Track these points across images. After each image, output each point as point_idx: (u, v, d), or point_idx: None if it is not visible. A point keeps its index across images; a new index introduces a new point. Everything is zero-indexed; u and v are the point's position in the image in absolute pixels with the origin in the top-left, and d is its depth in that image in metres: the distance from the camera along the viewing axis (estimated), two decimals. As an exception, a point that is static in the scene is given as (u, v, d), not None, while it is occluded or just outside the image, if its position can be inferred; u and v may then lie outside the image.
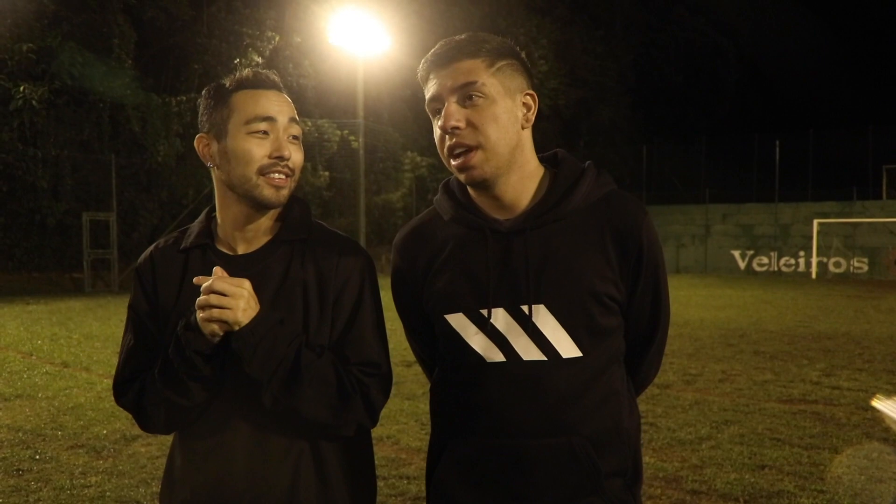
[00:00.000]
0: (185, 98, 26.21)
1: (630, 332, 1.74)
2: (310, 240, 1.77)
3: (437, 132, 1.66)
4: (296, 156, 1.74)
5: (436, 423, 1.81)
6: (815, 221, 32.03)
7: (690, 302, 18.82)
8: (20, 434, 6.37)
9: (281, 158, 1.70)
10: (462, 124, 1.60)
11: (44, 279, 22.77)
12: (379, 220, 32.49)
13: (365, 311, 1.75)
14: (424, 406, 6.00)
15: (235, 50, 28.56)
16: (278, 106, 1.73)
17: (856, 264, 31.32)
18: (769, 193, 34.78)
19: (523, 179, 1.68)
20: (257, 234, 1.78)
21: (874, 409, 4.30)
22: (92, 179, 23.87)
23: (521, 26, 37.51)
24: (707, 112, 48.20)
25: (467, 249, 1.68)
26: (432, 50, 1.67)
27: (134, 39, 26.17)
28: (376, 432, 6.29)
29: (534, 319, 1.61)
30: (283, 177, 1.72)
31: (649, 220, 1.69)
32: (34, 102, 22.20)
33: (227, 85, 1.78)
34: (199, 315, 1.56)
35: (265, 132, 1.71)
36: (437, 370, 1.82)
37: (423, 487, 4.87)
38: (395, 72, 29.79)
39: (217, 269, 1.59)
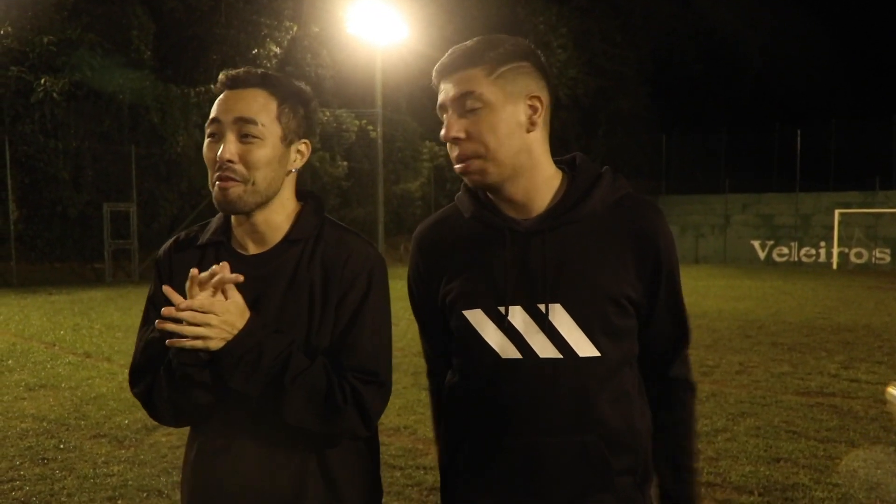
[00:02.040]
0: (203, 89, 26.33)
1: (655, 336, 1.76)
2: (320, 238, 1.76)
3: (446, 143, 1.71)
4: (249, 154, 1.67)
5: (450, 420, 1.83)
6: (837, 212, 31.73)
7: (709, 293, 18.75)
8: (44, 423, 6.48)
9: (220, 162, 1.66)
10: (461, 135, 1.63)
11: (65, 270, 23.00)
12: (397, 210, 32.54)
13: (367, 316, 1.71)
14: (441, 397, 6.03)
15: (254, 40, 28.64)
16: (230, 104, 1.69)
17: (878, 255, 31.03)
18: (790, 183, 34.48)
19: (537, 182, 1.69)
20: (267, 233, 1.76)
21: (888, 396, 4.28)
22: (112, 170, 24.04)
23: (539, 15, 37.37)
24: (727, 101, 47.81)
25: (486, 247, 1.71)
26: (442, 59, 1.69)
27: (153, 31, 26.32)
28: (393, 423, 6.35)
29: (550, 318, 1.64)
30: (227, 180, 1.66)
31: (665, 222, 1.72)
32: (55, 95, 22.38)
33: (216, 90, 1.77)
34: (168, 341, 1.54)
35: (213, 134, 1.70)
36: (450, 371, 1.84)
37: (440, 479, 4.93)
38: (414, 61, 29.75)
39: (169, 291, 1.56)
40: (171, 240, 1.88)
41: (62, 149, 22.87)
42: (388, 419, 6.48)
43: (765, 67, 47.92)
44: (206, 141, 1.71)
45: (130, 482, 5.03)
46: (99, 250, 23.26)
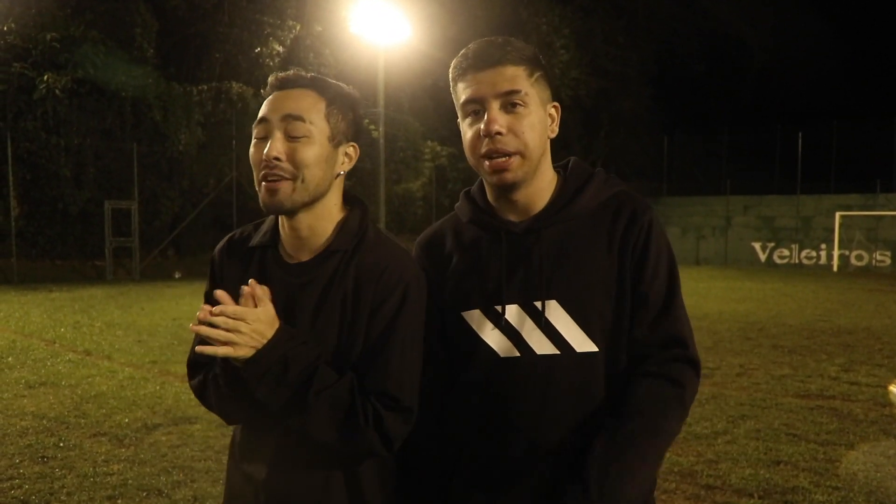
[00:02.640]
0: (206, 87, 26.36)
1: (642, 332, 1.68)
2: (358, 248, 1.73)
3: (468, 133, 1.71)
4: (297, 153, 1.65)
5: (451, 422, 1.82)
6: (838, 214, 31.72)
7: (710, 294, 18.75)
8: (44, 421, 6.48)
9: (268, 161, 1.64)
10: (504, 130, 1.64)
11: (66, 267, 23.02)
12: (399, 210, 32.53)
13: (397, 334, 1.67)
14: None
15: (257, 39, 28.65)
16: (278, 103, 1.68)
17: (878, 258, 31.03)
18: (791, 185, 34.46)
19: (542, 185, 1.75)
20: (311, 239, 1.74)
21: (890, 396, 4.29)
22: (114, 168, 24.05)
23: (542, 16, 37.35)
24: (729, 103, 47.78)
25: (483, 249, 1.75)
26: (469, 49, 1.70)
27: (156, 28, 26.33)
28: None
29: (546, 314, 1.66)
30: (275, 180, 1.65)
31: (657, 217, 1.73)
32: (57, 92, 22.39)
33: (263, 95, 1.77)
34: (198, 347, 1.56)
35: (261, 136, 1.68)
36: (450, 379, 1.81)
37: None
38: (416, 61, 29.77)
39: (221, 295, 1.57)
40: (224, 239, 1.89)
41: (64, 146, 22.87)
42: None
43: (767, 69, 47.84)
44: (253, 142, 1.70)
45: (130, 481, 5.03)
46: (100, 248, 23.28)
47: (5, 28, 22.71)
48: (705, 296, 18.20)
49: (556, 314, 1.65)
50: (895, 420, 6.52)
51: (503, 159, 1.65)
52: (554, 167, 1.81)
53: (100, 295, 17.72)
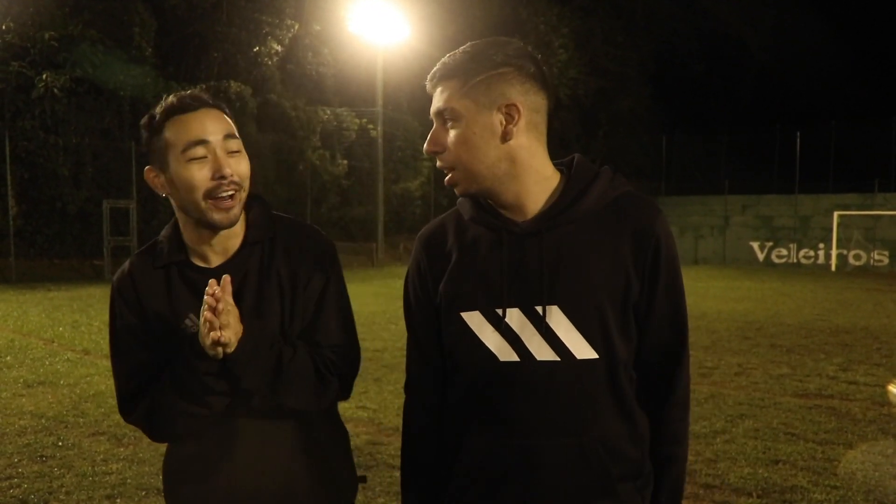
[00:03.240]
0: (204, 86, 26.31)
1: (653, 337, 1.71)
2: (276, 237, 1.87)
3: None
4: (238, 168, 1.77)
5: (447, 424, 1.81)
6: (836, 213, 31.73)
7: (708, 294, 18.75)
8: (43, 421, 6.48)
9: (223, 177, 1.73)
10: (437, 148, 1.68)
11: (65, 266, 23.01)
12: (397, 209, 32.54)
13: (331, 297, 1.88)
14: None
15: (255, 38, 28.65)
16: (212, 125, 1.76)
17: (876, 257, 31.03)
18: (789, 185, 34.47)
19: (528, 185, 1.68)
20: (225, 242, 1.83)
21: (889, 396, 4.30)
22: (112, 167, 24.03)
23: (541, 15, 37.36)
24: (728, 103, 47.82)
25: (484, 249, 1.71)
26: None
27: (154, 27, 26.33)
28: (392, 423, 6.35)
29: (547, 320, 1.63)
30: (230, 196, 1.74)
31: (663, 218, 1.69)
32: (56, 91, 22.38)
33: (158, 115, 1.80)
34: (207, 343, 1.62)
35: (203, 156, 1.74)
36: (448, 381, 1.81)
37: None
38: (415, 60, 29.75)
39: (212, 282, 1.62)
40: (124, 265, 1.91)
41: (62, 145, 22.86)
42: (387, 419, 6.48)
43: (766, 69, 47.89)
44: (190, 163, 1.74)
45: (129, 480, 5.03)
46: (98, 247, 23.26)
47: (3, 27, 22.71)
48: (703, 295, 18.21)
49: (558, 320, 1.63)
50: (893, 419, 6.53)
51: (447, 176, 1.70)
52: (556, 164, 1.76)
53: (98, 294, 17.70)
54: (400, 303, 1.89)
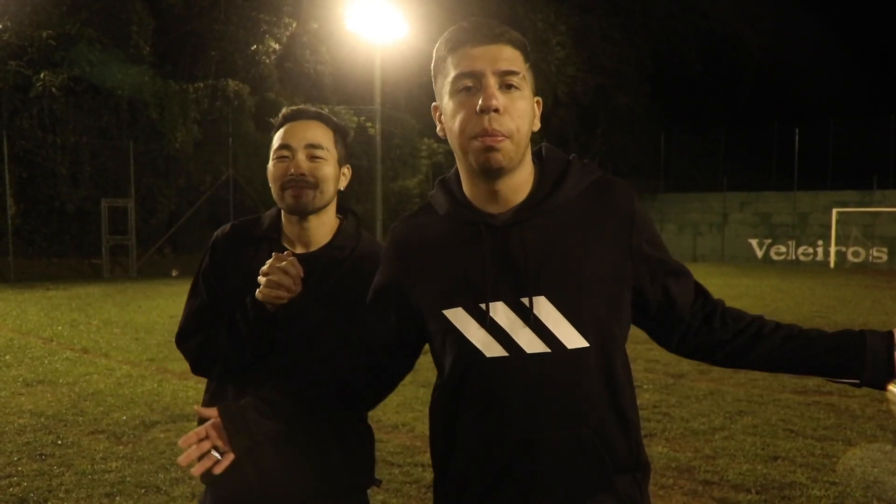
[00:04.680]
0: (202, 85, 26.30)
1: (678, 300, 1.78)
2: (357, 248, 2.18)
3: (459, 111, 1.61)
4: (318, 170, 2.11)
5: (439, 424, 1.79)
6: (834, 210, 31.76)
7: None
8: (42, 419, 6.48)
9: (294, 175, 2.09)
10: (502, 108, 1.57)
11: (63, 265, 23.00)
12: (396, 207, 32.49)
13: None
14: (439, 395, 6.05)
15: (253, 36, 28.59)
16: (300, 133, 2.13)
17: (875, 254, 31.06)
18: (788, 182, 34.49)
19: (523, 176, 1.67)
20: (314, 238, 2.17)
21: (888, 395, 4.31)
22: (110, 166, 24.01)
23: (539, 12, 37.30)
24: (726, 100, 47.78)
25: (462, 244, 1.67)
26: (464, 24, 1.66)
27: (152, 26, 26.29)
28: (392, 420, 6.36)
29: (535, 311, 1.60)
30: (302, 188, 2.08)
31: (637, 199, 1.71)
32: (53, 90, 22.34)
33: (276, 122, 2.20)
34: (265, 290, 1.94)
35: (284, 157, 2.12)
36: (438, 379, 1.80)
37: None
38: (413, 58, 29.71)
39: (289, 256, 1.97)
40: (227, 226, 2.27)
41: (60, 144, 22.83)
42: (387, 416, 6.48)
43: (764, 67, 47.90)
44: (274, 162, 2.15)
45: (128, 478, 5.03)
46: (97, 246, 23.25)
47: (1, 26, 22.67)
48: (702, 292, 18.16)
49: (546, 310, 1.60)
50: (892, 416, 6.54)
51: (496, 138, 1.56)
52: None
53: (97, 293, 17.70)
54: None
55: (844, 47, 49.05)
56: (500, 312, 1.62)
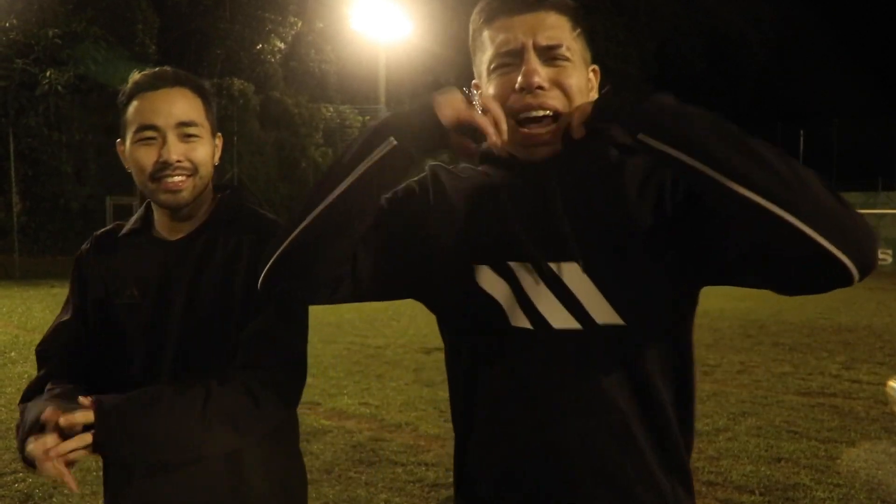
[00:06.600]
0: (207, 83, 26.25)
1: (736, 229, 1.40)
2: (236, 222, 1.78)
3: (498, 91, 1.40)
4: (194, 152, 1.72)
5: (458, 396, 1.56)
6: (839, 212, 31.63)
7: (710, 292, 18.50)
8: (46, 416, 6.48)
9: (167, 162, 1.69)
10: (547, 84, 1.36)
11: (68, 262, 22.78)
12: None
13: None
14: (443, 393, 6.05)
15: (258, 35, 28.65)
16: (166, 108, 1.71)
17: (879, 256, 30.93)
18: (792, 183, 34.38)
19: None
20: (187, 220, 1.80)
21: (888, 390, 4.30)
22: (115, 164, 23.25)
23: (543, 12, 37.30)
24: (730, 101, 47.72)
25: (497, 195, 1.46)
26: None
27: (157, 24, 26.36)
28: (395, 419, 6.36)
29: (565, 280, 1.38)
30: (180, 178, 1.70)
31: None
32: (59, 88, 22.42)
33: (124, 92, 1.82)
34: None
35: (150, 139, 1.72)
36: (453, 343, 1.56)
37: (442, 474, 4.94)
38: (417, 57, 29.76)
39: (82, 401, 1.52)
40: (88, 240, 1.97)
41: (66, 142, 22.91)
42: (390, 415, 6.49)
43: (768, 67, 47.84)
44: (136, 145, 1.75)
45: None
46: (101, 244, 23.28)
47: (7, 24, 22.73)
48: (706, 293, 17.89)
49: (578, 280, 1.37)
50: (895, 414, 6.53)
51: (545, 125, 1.37)
52: None
53: (101, 291, 17.72)
54: (400, 301, 1.66)
55: (849, 47, 48.99)
56: (527, 276, 1.40)
